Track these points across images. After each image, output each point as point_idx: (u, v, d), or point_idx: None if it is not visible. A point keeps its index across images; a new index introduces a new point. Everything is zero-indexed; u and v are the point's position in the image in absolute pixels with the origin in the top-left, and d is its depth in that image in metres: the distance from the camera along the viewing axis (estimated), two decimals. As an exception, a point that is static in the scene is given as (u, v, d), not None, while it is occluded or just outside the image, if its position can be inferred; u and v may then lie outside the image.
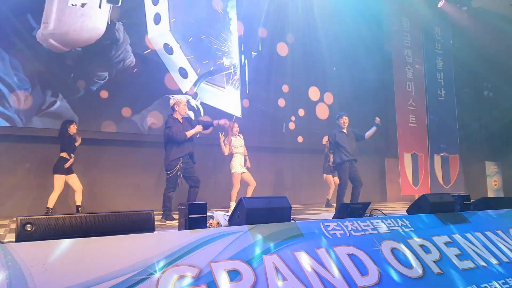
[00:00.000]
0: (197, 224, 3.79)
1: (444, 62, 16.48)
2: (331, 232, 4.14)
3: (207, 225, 4.16)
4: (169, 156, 7.87)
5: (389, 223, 4.62)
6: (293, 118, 13.65)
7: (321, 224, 4.19)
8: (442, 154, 15.83)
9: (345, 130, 9.64)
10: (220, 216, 4.49)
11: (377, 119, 9.56)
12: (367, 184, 13.87)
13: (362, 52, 15.01)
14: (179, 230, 3.77)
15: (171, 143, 7.89)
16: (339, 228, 4.24)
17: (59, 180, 8.80)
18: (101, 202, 10.17)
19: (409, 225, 4.72)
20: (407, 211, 5.53)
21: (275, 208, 4.15)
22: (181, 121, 8.08)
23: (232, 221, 4.14)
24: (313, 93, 14.37)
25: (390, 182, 15.47)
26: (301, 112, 13.95)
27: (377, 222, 4.55)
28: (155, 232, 3.44)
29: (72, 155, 8.93)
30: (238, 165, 9.61)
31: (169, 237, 3.32)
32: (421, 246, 4.44)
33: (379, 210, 5.63)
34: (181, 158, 7.84)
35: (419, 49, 15.79)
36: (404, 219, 4.81)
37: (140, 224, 3.44)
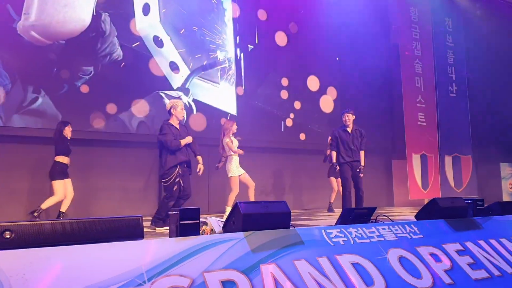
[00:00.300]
0: (189, 231, 3.78)
1: (456, 56, 16.50)
2: (333, 240, 4.13)
3: (200, 232, 4.16)
4: (166, 163, 7.83)
5: (396, 230, 4.61)
6: (291, 115, 13.64)
7: (323, 231, 4.19)
8: (453, 155, 15.85)
9: (348, 129, 9.57)
10: (214, 222, 4.47)
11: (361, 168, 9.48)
12: (373, 188, 13.91)
13: (367, 45, 15.04)
14: (170, 237, 3.77)
15: (166, 150, 7.87)
16: (343, 235, 4.24)
17: (58, 186, 8.88)
18: (85, 207, 10.14)
19: (418, 232, 4.72)
20: (415, 216, 5.52)
21: (273, 213, 4.15)
22: (177, 127, 8.04)
23: (227, 228, 4.14)
24: (314, 84, 14.38)
25: (398, 185, 15.50)
26: (302, 108, 13.95)
27: (384, 229, 4.55)
28: (144, 239, 3.44)
29: (67, 158, 8.99)
30: (236, 168, 9.62)
31: (159, 244, 3.33)
32: (431, 254, 4.43)
33: (385, 216, 5.64)
34: (178, 165, 7.81)
35: (428, 42, 15.81)
36: (412, 225, 4.80)
37: (127, 231, 3.44)
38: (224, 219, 4.36)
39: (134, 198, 10.88)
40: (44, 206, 8.73)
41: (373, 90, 15.47)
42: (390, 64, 15.87)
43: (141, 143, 10.84)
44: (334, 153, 9.69)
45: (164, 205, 7.81)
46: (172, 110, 8.06)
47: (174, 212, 3.86)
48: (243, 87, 12.93)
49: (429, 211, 5.39)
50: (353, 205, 9.34)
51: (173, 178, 7.77)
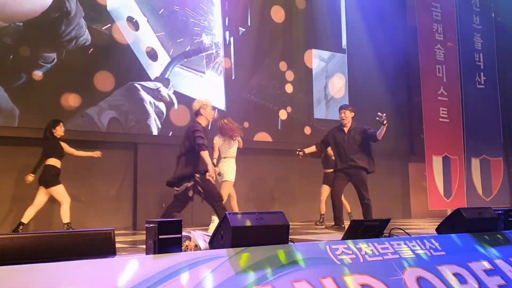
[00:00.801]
0: (170, 247, 3.81)
1: (484, 41, 16.51)
2: (340, 257, 4.14)
3: (182, 248, 4.16)
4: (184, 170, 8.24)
5: (414, 246, 4.63)
6: (289, 109, 13.64)
7: (328, 247, 4.20)
8: (481, 157, 15.87)
9: (345, 128, 9.47)
10: (198, 236, 4.51)
11: (381, 114, 8.83)
12: (386, 196, 13.94)
13: (380, 27, 15.07)
14: (146, 254, 3.79)
15: (189, 155, 8.22)
16: (350, 252, 4.25)
17: (60, 190, 9.22)
18: (47, 219, 10.11)
19: (440, 248, 4.73)
20: (436, 230, 5.53)
21: (268, 226, 4.16)
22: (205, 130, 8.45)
23: (214, 243, 4.16)
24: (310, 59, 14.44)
25: (415, 193, 15.49)
26: (302, 100, 14.02)
27: (399, 244, 4.57)
28: (116, 256, 3.45)
29: (60, 161, 9.25)
30: (233, 172, 9.96)
31: (133, 263, 3.33)
32: (455, 274, 4.45)
33: (401, 229, 5.68)
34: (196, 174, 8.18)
35: (452, 24, 15.84)
36: (433, 240, 4.81)
37: (97, 246, 3.46)
38: (210, 233, 4.37)
39: (104, 208, 10.86)
40: (65, 219, 9.16)
41: (386, 80, 15.47)
42: (407, 50, 15.82)
43: (113, 143, 10.83)
44: (313, 147, 9.65)
45: (167, 214, 8.17)
46: (201, 111, 8.43)
47: (151, 225, 3.88)
48: (233, 77, 12.92)
49: (452, 224, 5.40)
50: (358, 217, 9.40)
51: (188, 187, 8.18)
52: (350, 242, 4.39)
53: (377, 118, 8.84)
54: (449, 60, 15.60)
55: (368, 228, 5.00)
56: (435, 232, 5.53)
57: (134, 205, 11.21)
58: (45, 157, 9.15)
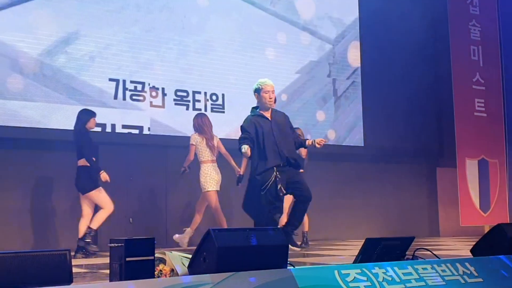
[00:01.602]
0: (140, 272, 3.79)
1: (531, 15, 16.52)
2: (352, 284, 4.13)
3: (156, 273, 4.17)
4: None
5: (443, 270, 4.61)
6: (284, 96, 13.66)
7: (336, 272, 4.18)
8: (528, 161, 15.87)
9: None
10: (175, 258, 4.49)
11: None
12: (409, 208, 13.94)
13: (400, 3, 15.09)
14: (110, 280, 3.81)
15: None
16: (365, 278, 4.24)
17: (101, 194, 9.74)
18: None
19: (476, 274, 4.72)
20: (471, 251, 5.53)
21: (263, 246, 4.17)
22: None
23: (194, 267, 4.14)
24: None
25: (445, 205, 15.49)
26: (298, 85, 14.09)
27: (425, 269, 4.55)
28: (73, 284, 3.45)
29: (93, 159, 9.75)
30: (214, 180, 10.31)
31: (94, 293, 3.33)
32: (495, 306, 4.41)
33: (427, 250, 5.63)
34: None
35: (491, -7, 15.85)
36: (467, 264, 4.79)
37: (48, 272, 3.42)
38: (190, 254, 4.34)
39: (58, 225, 10.88)
40: (95, 224, 9.61)
41: (409, 66, 15.49)
42: (434, 27, 15.90)
43: (64, 142, 10.68)
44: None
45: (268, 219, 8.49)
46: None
47: (116, 245, 3.90)
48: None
49: (491, 244, 5.38)
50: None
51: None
52: (364, 266, 4.36)
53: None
54: (487, 40, 15.56)
55: (386, 248, 4.97)
56: (470, 254, 5.51)
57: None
58: (78, 157, 9.65)
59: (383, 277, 4.30)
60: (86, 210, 9.76)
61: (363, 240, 5.20)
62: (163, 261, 4.54)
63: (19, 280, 3.30)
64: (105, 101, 11.45)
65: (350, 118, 14.56)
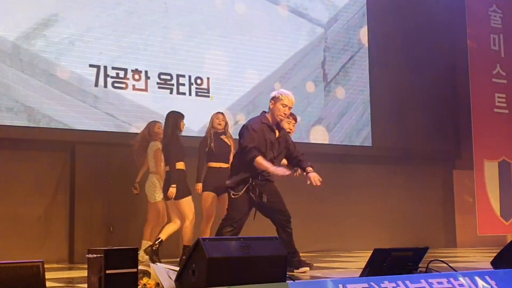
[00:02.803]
0: (120, 287, 3.89)
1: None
2: (358, 301, 4.24)
3: (139, 287, 4.28)
4: None
5: (461, 285, 4.70)
6: (277, 86, 13.70)
7: (341, 286, 4.25)
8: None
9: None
10: (161, 271, 4.57)
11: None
12: (422, 216, 13.84)
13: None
14: (88, 296, 3.82)
15: None
16: (374, 294, 4.35)
17: (190, 203, 10.15)
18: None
19: (497, 288, 4.84)
20: (492, 263, 5.68)
21: (258, 257, 4.19)
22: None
23: (183, 281, 4.18)
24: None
25: (462, 212, 15.54)
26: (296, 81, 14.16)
27: (440, 283, 4.63)
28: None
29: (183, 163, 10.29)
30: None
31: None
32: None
33: (443, 261, 5.83)
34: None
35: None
36: (487, 277, 4.89)
37: (22, 284, 3.46)
38: (177, 266, 4.53)
39: (30, 234, 10.79)
40: (164, 235, 10.02)
41: (421, 57, 15.48)
42: (450, 14, 15.88)
43: (42, 142, 10.86)
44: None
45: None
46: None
47: (95, 256, 3.93)
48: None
49: (514, 255, 5.62)
50: None
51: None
52: (372, 280, 4.45)
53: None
54: (510, 26, 15.59)
55: (397, 260, 5.09)
56: (491, 267, 5.67)
57: (71, 228, 11.10)
58: (172, 161, 10.06)
59: (395, 292, 4.42)
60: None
61: (371, 251, 5.35)
62: (147, 274, 4.66)
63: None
64: (85, 88, 11.63)
65: (355, 116, 14.62)
